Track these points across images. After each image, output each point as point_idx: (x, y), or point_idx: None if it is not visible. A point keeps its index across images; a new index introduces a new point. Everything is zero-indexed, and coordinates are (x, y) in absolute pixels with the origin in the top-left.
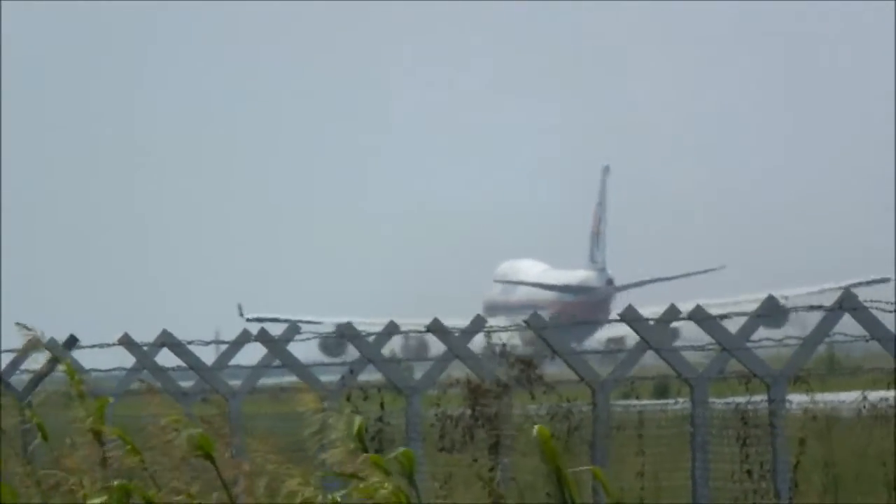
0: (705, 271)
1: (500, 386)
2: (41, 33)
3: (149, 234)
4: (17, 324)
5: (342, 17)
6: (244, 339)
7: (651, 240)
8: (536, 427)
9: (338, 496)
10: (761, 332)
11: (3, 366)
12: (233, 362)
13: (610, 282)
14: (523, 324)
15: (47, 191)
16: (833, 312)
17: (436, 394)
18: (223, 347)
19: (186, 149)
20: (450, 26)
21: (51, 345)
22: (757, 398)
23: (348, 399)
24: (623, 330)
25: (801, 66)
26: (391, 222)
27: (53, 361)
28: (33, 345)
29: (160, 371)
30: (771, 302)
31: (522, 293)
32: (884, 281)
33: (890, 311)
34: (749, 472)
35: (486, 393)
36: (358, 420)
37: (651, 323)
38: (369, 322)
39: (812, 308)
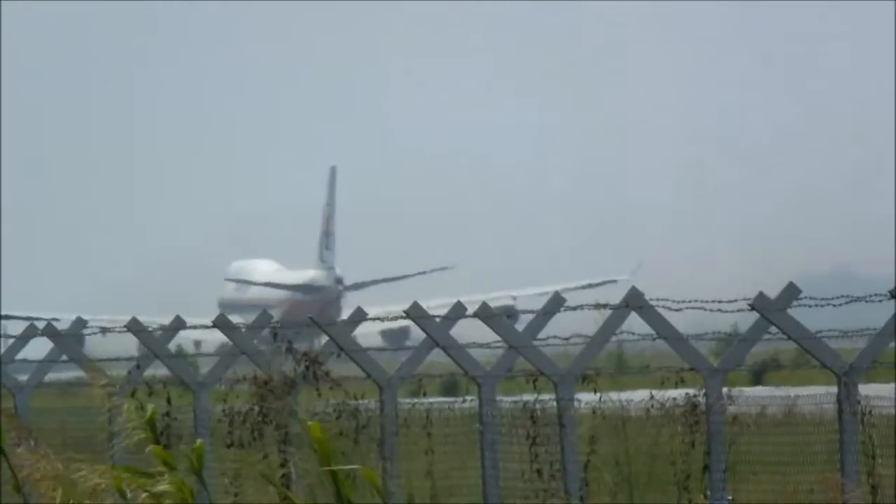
0: (433, 271)
1: (286, 382)
2: (41, 33)
3: None
4: None
5: (340, 17)
6: (30, 333)
7: (381, 240)
8: (310, 424)
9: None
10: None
11: None
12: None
13: (339, 281)
14: (310, 319)
15: None
16: (619, 311)
17: (223, 389)
18: (9, 342)
19: None
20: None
21: None
22: (545, 397)
23: (133, 395)
24: (359, 329)
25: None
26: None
27: None
28: None
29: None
30: (558, 299)
31: (255, 292)
32: (611, 282)
33: (677, 310)
34: (539, 472)
35: (273, 389)
36: (150, 408)
37: (437, 320)
38: (109, 319)
39: (599, 306)
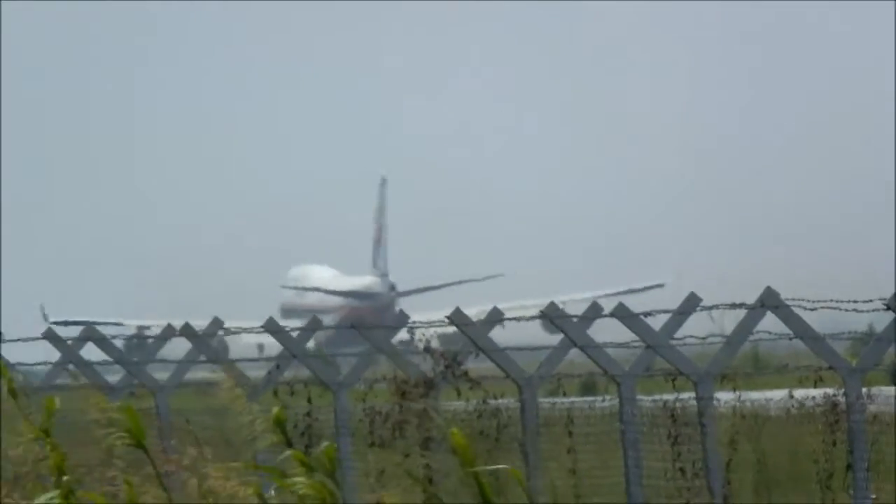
0: (484, 278)
1: (426, 382)
2: (41, 33)
3: None
4: None
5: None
6: (169, 333)
7: (432, 246)
8: (451, 430)
9: (269, 493)
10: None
11: None
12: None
13: (392, 287)
14: (446, 319)
15: None
16: (755, 311)
17: (362, 389)
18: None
19: None
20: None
21: None
22: (685, 396)
23: (275, 394)
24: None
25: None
26: (167, 224)
27: None
28: None
29: (86, 365)
30: (692, 300)
31: (314, 297)
32: (658, 286)
33: (812, 309)
34: (682, 470)
35: (413, 389)
36: (275, 410)
37: (575, 321)
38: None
39: (734, 306)
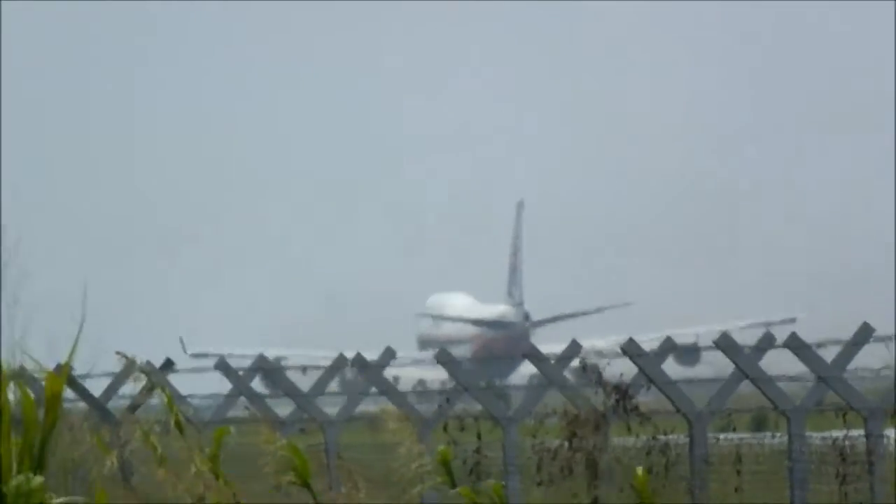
0: (612, 307)
1: (596, 416)
2: (41, 33)
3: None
4: (118, 353)
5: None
6: (340, 364)
7: (560, 277)
8: (638, 469)
9: None
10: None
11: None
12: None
13: (527, 317)
14: (620, 350)
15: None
16: None
17: (532, 423)
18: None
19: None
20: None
21: (148, 369)
22: (854, 433)
23: (445, 429)
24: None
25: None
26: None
27: (151, 386)
28: (130, 369)
29: (257, 398)
30: (866, 329)
31: (450, 327)
32: (790, 321)
33: None
34: None
35: (584, 424)
36: (441, 449)
37: (746, 352)
38: (322, 355)
39: None
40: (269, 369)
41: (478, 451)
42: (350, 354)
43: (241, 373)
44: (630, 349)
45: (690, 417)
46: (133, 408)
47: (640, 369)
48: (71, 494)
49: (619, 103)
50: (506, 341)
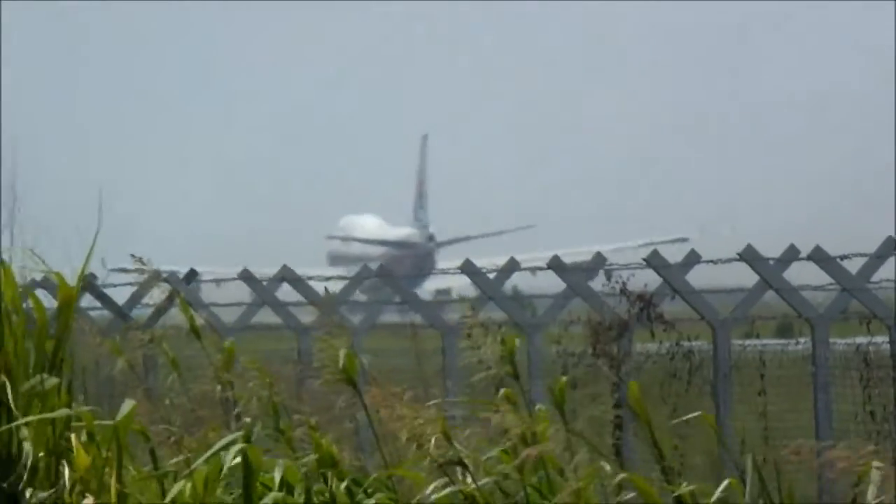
0: (517, 229)
1: (620, 323)
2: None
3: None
4: (133, 256)
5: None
6: (365, 274)
7: (467, 199)
8: (629, 383)
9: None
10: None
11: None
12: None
13: (431, 238)
14: (643, 262)
15: None
16: None
17: (556, 332)
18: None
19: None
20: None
21: (171, 278)
22: (878, 339)
23: (468, 336)
24: (448, 281)
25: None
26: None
27: (173, 295)
28: (154, 278)
29: (280, 306)
30: (889, 242)
31: (358, 246)
32: (682, 240)
33: None
34: (872, 413)
35: (607, 331)
36: (511, 339)
37: (771, 262)
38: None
39: None
40: (293, 279)
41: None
42: (266, 269)
43: (264, 282)
44: (654, 261)
45: (714, 324)
46: (156, 315)
47: (665, 279)
48: (89, 399)
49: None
50: (411, 259)
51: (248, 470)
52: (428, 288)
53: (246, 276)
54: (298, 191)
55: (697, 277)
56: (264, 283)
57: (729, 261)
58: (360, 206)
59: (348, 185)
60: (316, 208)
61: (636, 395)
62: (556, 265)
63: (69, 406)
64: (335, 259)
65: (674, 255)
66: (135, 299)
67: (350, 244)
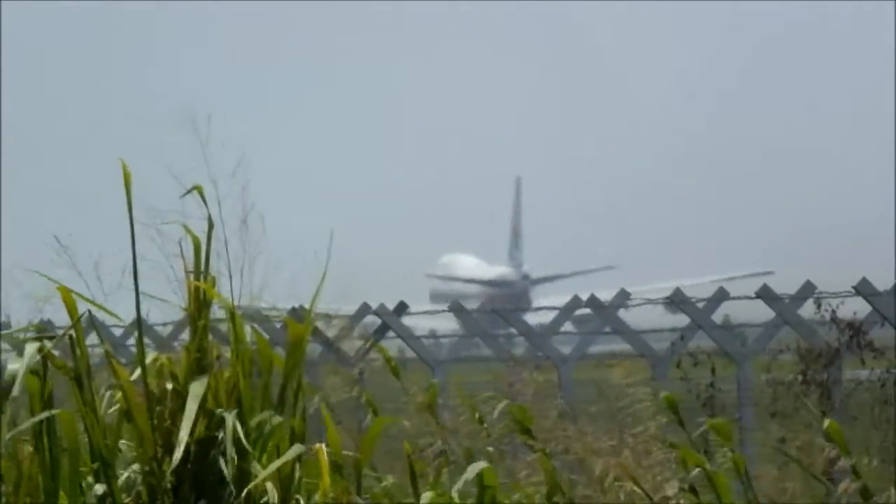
0: (600, 269)
1: (830, 351)
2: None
3: None
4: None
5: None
6: (574, 305)
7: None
8: (662, 395)
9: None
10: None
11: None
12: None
13: (526, 276)
14: (853, 290)
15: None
16: None
17: (766, 360)
18: (553, 314)
19: None
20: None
21: (381, 311)
22: None
23: (678, 366)
24: (547, 317)
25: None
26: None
27: (384, 328)
28: (364, 311)
29: (491, 337)
30: None
31: (459, 284)
32: (766, 274)
33: None
34: None
35: (817, 358)
36: (665, 395)
37: None
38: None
39: None
40: (503, 311)
41: (712, 385)
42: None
43: (474, 315)
44: (863, 289)
45: None
46: (365, 350)
47: (873, 307)
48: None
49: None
50: (507, 297)
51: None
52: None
53: (456, 308)
54: (403, 227)
55: None
56: (474, 315)
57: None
58: (460, 244)
59: (449, 224)
60: (419, 245)
61: (836, 430)
62: (765, 294)
63: (302, 441)
64: (436, 297)
65: (752, 287)
66: (343, 332)
67: (450, 282)
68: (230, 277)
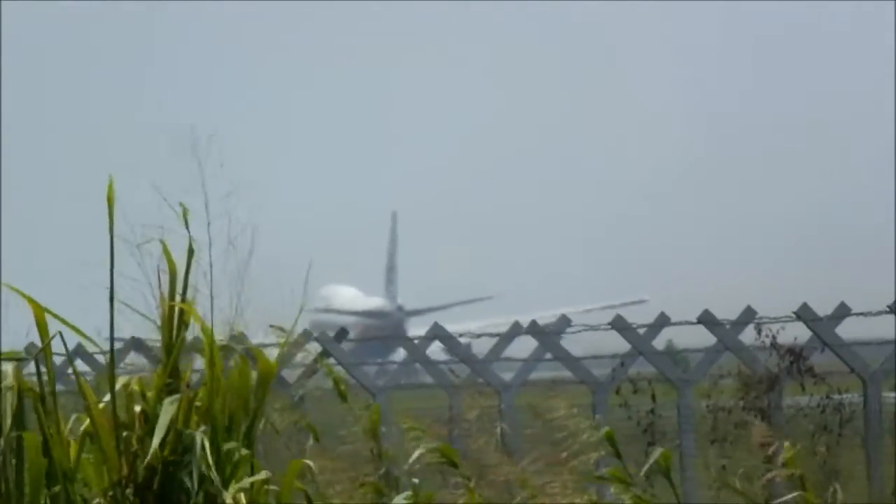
0: (477, 300)
1: (770, 377)
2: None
3: None
4: (272, 326)
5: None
6: (515, 331)
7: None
8: (603, 430)
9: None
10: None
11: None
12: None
13: (400, 308)
14: (793, 315)
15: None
16: None
17: (707, 386)
18: (493, 341)
19: None
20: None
21: (322, 338)
22: None
23: (617, 392)
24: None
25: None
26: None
27: (324, 355)
28: (302, 340)
29: (431, 364)
30: None
31: (336, 315)
32: (640, 302)
33: None
34: None
35: (758, 384)
36: (605, 430)
37: None
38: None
39: None
40: (444, 336)
41: (652, 411)
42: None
43: (415, 341)
44: (804, 314)
45: (864, 377)
46: (306, 377)
47: (814, 332)
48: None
49: (611, 104)
50: (383, 328)
51: None
52: (400, 352)
53: (401, 336)
54: (290, 257)
55: (845, 331)
56: (415, 341)
57: (879, 313)
58: (341, 275)
59: (333, 255)
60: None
61: (791, 455)
62: (707, 320)
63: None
64: (315, 326)
65: (634, 316)
66: (283, 360)
67: (329, 313)
68: (211, 299)
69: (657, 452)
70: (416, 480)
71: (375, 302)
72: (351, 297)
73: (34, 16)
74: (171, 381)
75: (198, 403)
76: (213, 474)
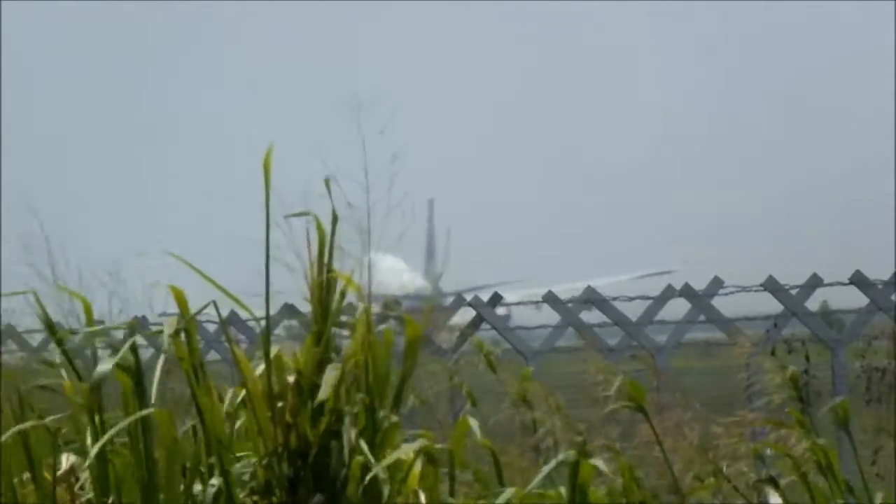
0: (514, 281)
1: None
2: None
3: None
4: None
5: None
6: (668, 294)
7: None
8: (789, 371)
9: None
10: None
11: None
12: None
13: (441, 291)
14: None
15: None
16: None
17: (861, 346)
18: (647, 303)
19: None
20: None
21: (476, 303)
22: None
23: (773, 353)
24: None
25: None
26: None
27: (478, 319)
28: (458, 303)
29: (585, 328)
30: None
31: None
32: (666, 273)
33: None
34: None
35: None
36: (790, 369)
37: None
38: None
39: None
40: (597, 300)
41: (806, 372)
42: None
43: (569, 304)
44: None
45: None
46: (460, 341)
47: None
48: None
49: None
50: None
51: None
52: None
53: (550, 298)
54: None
55: None
56: (569, 305)
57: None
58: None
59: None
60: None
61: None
62: (858, 280)
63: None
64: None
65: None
66: (438, 324)
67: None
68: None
69: (835, 401)
70: (579, 438)
71: (417, 284)
72: (390, 268)
73: (34, 16)
74: (324, 350)
75: (356, 371)
76: (364, 446)
